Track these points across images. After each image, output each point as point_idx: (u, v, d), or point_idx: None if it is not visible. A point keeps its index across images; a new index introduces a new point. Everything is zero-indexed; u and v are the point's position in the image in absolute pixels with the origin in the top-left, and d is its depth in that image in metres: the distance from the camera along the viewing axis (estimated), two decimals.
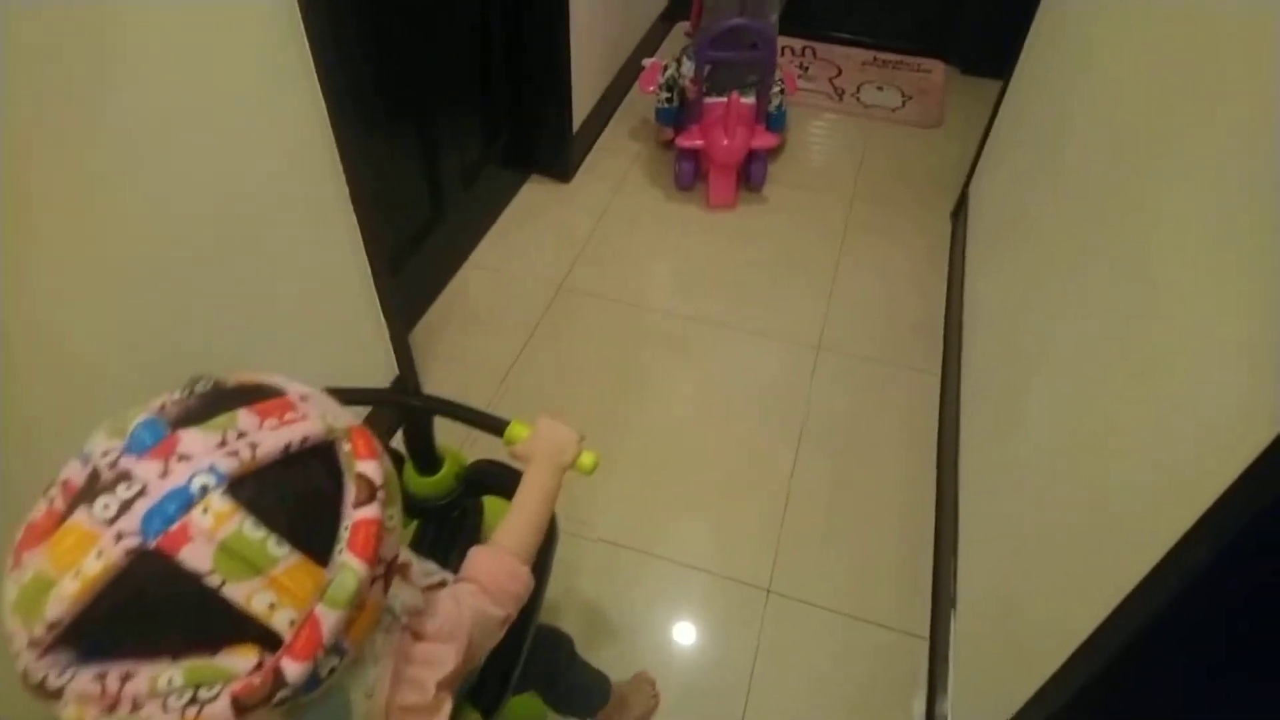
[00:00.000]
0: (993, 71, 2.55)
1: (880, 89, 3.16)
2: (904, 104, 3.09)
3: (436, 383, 2.01)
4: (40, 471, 0.53)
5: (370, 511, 0.53)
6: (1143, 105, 1.20)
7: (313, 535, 0.51)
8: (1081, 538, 1.04)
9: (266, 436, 0.50)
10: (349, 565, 0.51)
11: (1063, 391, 1.25)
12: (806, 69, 3.26)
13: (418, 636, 0.67)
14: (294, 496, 0.51)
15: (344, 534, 0.52)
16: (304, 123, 1.37)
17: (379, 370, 1.81)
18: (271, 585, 0.47)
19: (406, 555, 0.77)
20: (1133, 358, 1.01)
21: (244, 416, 0.51)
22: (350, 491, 0.53)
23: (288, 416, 0.53)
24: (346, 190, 1.52)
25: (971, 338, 1.96)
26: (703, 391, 2.05)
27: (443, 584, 0.79)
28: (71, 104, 0.94)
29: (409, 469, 1.05)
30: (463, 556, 0.81)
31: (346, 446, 0.54)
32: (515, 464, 0.94)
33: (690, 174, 2.62)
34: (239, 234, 1.29)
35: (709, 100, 2.46)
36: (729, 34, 2.41)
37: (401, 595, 0.68)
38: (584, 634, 1.56)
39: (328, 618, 0.49)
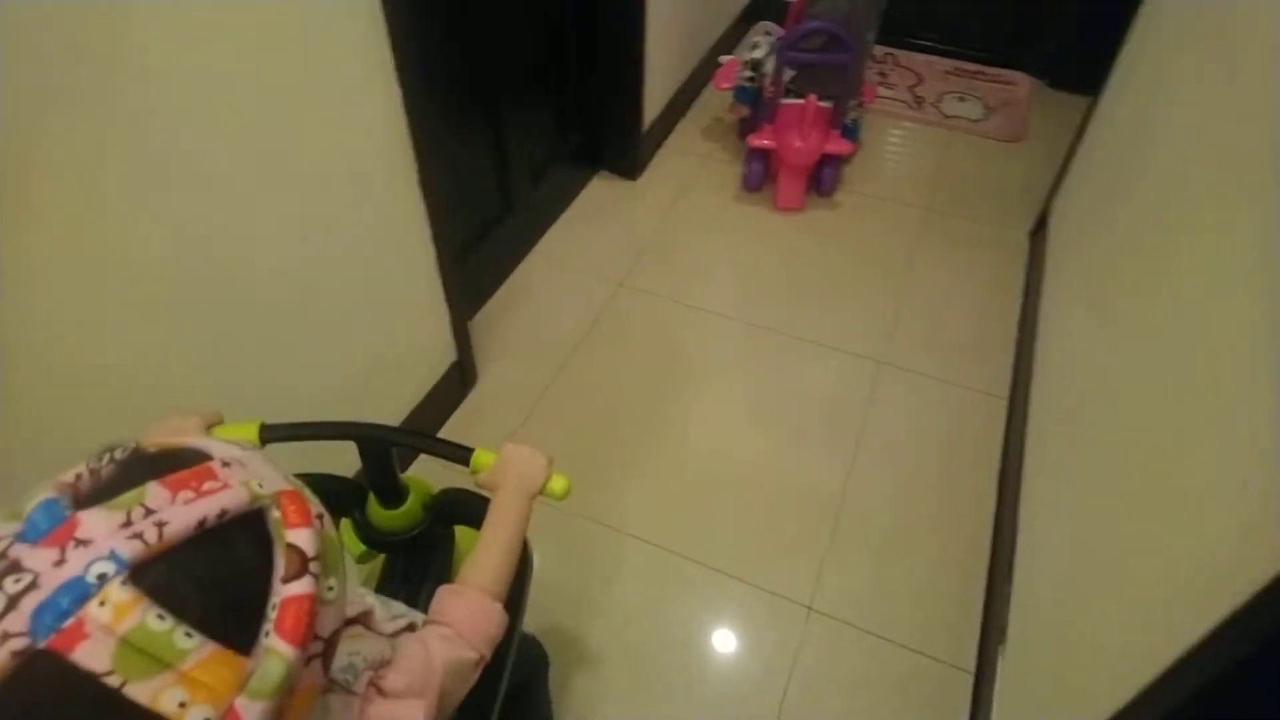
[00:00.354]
0: (1081, 87, 2.45)
1: (962, 99, 3.07)
2: (986, 116, 2.99)
3: (493, 370, 2.03)
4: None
5: (301, 587, 0.47)
6: (1227, 141, 1.13)
7: (233, 620, 0.45)
8: (1146, 580, 0.99)
9: (177, 512, 0.45)
10: (275, 650, 0.46)
11: (1133, 427, 1.19)
12: (886, 76, 3.19)
13: (381, 692, 0.61)
14: (209, 578, 0.45)
15: (271, 614, 0.46)
16: (380, 112, 1.40)
17: (438, 354, 1.84)
18: (181, 681, 0.42)
19: (369, 601, 0.74)
20: (1206, 396, 0.95)
21: (153, 491, 0.45)
22: (280, 565, 0.48)
23: (205, 486, 0.47)
24: (417, 178, 1.54)
25: (1043, 363, 1.89)
26: (757, 398, 2.02)
27: (411, 627, 0.75)
28: (153, 85, 0.98)
29: (373, 502, 1.01)
30: (435, 590, 0.77)
31: (276, 514, 0.49)
32: (485, 493, 0.91)
33: (759, 175, 2.59)
34: (306, 216, 1.32)
35: (786, 101, 2.43)
36: (812, 37, 2.37)
37: (364, 649, 0.63)
38: (618, 634, 1.56)
39: (249, 711, 0.44)
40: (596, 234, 2.46)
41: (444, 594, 0.76)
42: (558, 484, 0.90)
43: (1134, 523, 1.09)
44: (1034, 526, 1.54)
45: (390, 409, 1.73)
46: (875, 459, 1.87)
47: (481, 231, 2.17)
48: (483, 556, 0.81)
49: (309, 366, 1.43)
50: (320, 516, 0.52)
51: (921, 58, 3.29)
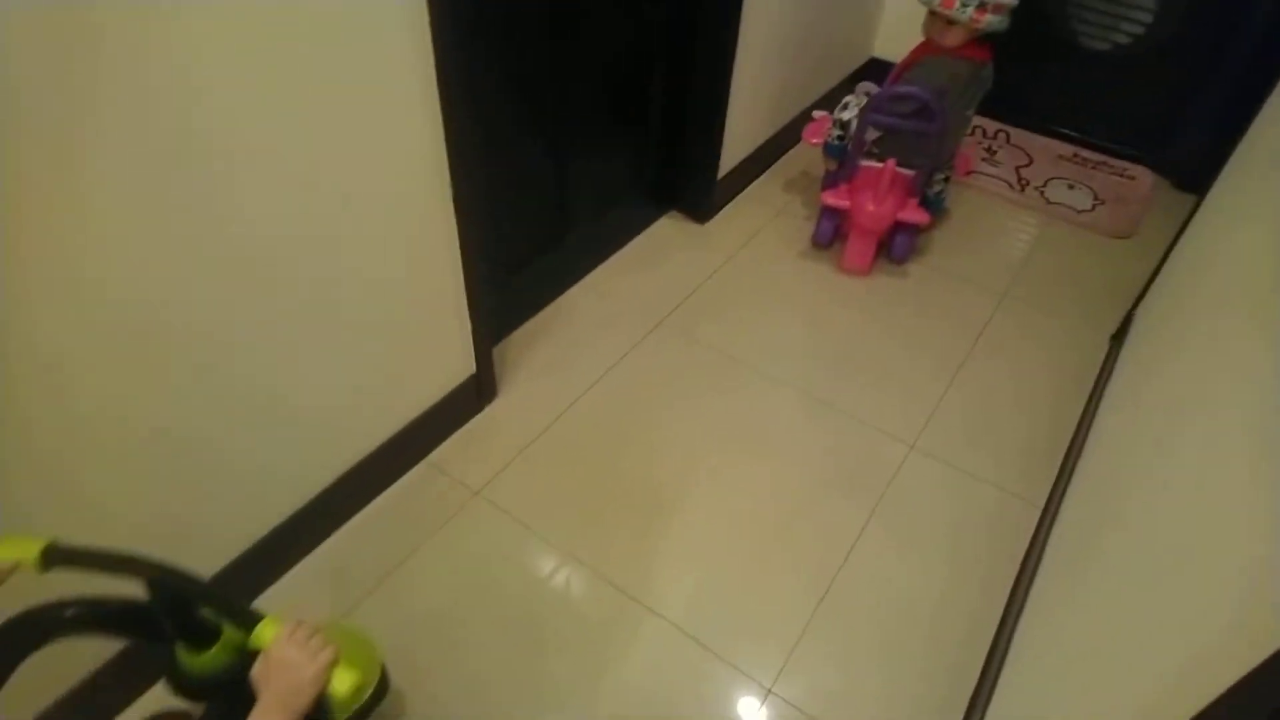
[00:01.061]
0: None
1: (1071, 187, 2.88)
2: (1094, 207, 2.80)
3: (515, 389, 2.05)
4: None
5: None
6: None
7: None
8: None
9: None
10: None
11: (1130, 564, 1.07)
12: (994, 152, 3.05)
13: None
14: None
15: None
16: (416, 121, 1.41)
17: (456, 365, 1.86)
18: None
19: None
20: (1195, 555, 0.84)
21: None
22: None
23: None
24: (450, 193, 1.57)
25: (1081, 478, 1.73)
26: (773, 459, 1.94)
27: None
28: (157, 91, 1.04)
29: (181, 644, 0.90)
30: None
31: None
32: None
33: (829, 233, 2.52)
34: (325, 213, 1.34)
35: (865, 163, 2.36)
36: (901, 102, 2.30)
37: None
38: (544, 672, 1.51)
39: None
40: (651, 272, 2.45)
41: None
42: (343, 683, 0.78)
43: (1104, 677, 0.97)
44: (1025, 655, 1.40)
45: (401, 408, 1.77)
46: (881, 547, 1.76)
47: (533, 254, 2.21)
48: None
49: (323, 356, 1.48)
50: None
51: (1039, 139, 3.11)
